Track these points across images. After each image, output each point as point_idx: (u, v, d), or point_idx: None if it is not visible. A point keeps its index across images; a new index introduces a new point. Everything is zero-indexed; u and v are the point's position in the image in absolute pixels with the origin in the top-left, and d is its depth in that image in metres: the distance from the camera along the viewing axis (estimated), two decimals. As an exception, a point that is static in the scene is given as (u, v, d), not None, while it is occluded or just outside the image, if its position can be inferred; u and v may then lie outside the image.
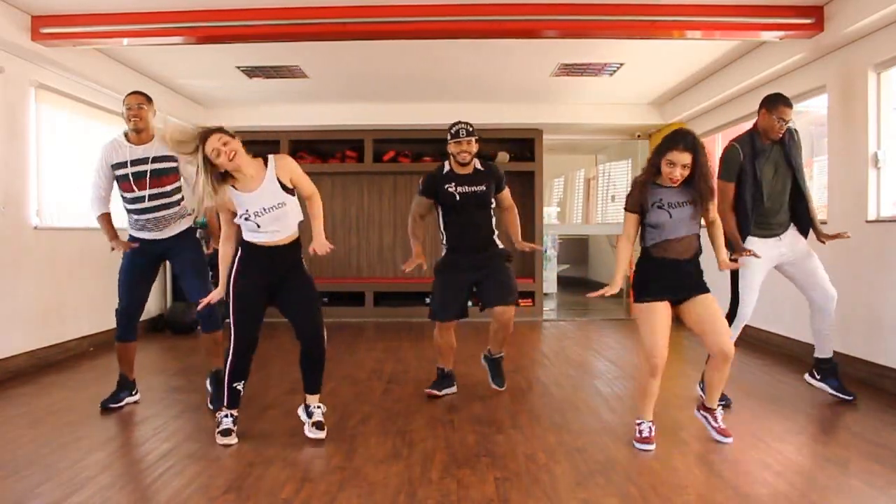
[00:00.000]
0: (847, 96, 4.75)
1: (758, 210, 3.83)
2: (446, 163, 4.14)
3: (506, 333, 4.16)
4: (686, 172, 3.12)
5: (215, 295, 3.35)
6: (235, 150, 3.11)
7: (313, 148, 8.40)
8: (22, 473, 2.88)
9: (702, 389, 4.02)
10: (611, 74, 6.53)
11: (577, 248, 12.77)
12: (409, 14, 4.62)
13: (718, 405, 3.36)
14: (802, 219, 3.92)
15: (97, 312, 5.79)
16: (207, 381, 4.11)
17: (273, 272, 3.31)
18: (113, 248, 3.94)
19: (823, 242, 3.93)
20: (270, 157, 3.28)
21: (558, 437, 3.40)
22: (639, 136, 8.69)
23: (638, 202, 3.23)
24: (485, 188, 4.08)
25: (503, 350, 4.31)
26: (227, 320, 3.38)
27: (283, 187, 3.22)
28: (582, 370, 5.17)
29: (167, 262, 4.12)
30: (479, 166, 4.12)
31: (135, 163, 3.80)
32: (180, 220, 3.96)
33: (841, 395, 3.95)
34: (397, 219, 8.46)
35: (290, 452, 3.15)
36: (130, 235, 3.96)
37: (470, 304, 4.25)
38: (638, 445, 3.20)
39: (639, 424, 3.26)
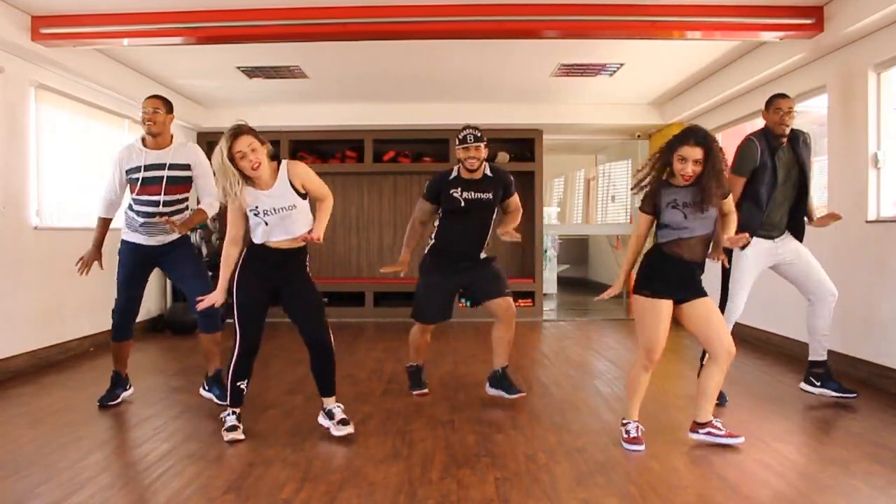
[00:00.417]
0: (847, 96, 4.75)
1: (769, 210, 3.84)
2: (455, 168, 4.03)
3: (510, 333, 4.03)
4: (698, 169, 3.08)
5: (215, 297, 3.33)
6: (260, 162, 3.13)
7: (313, 148, 8.40)
8: (22, 473, 2.88)
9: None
10: (611, 75, 6.53)
11: (577, 249, 12.77)
12: (409, 14, 4.62)
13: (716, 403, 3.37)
14: (799, 224, 3.93)
15: (97, 313, 5.78)
16: (203, 388, 4.06)
17: (276, 274, 3.32)
18: (81, 258, 3.96)
19: (820, 225, 3.97)
20: (283, 161, 3.29)
21: (558, 437, 3.40)
22: (639, 136, 8.68)
23: (652, 203, 3.21)
24: (491, 195, 3.98)
25: (507, 360, 4.09)
26: (229, 320, 3.38)
27: (296, 191, 3.25)
28: (582, 370, 5.17)
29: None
30: (487, 172, 4.01)
31: (149, 167, 3.80)
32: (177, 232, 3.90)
33: (845, 395, 3.93)
34: (397, 219, 8.47)
35: (290, 452, 3.15)
36: (123, 239, 3.96)
37: (464, 302, 4.21)
38: (627, 446, 3.19)
39: (625, 424, 3.26)
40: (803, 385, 4.06)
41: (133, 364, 4.17)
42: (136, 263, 3.93)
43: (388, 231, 8.54)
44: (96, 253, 3.99)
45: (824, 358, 3.97)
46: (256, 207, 3.22)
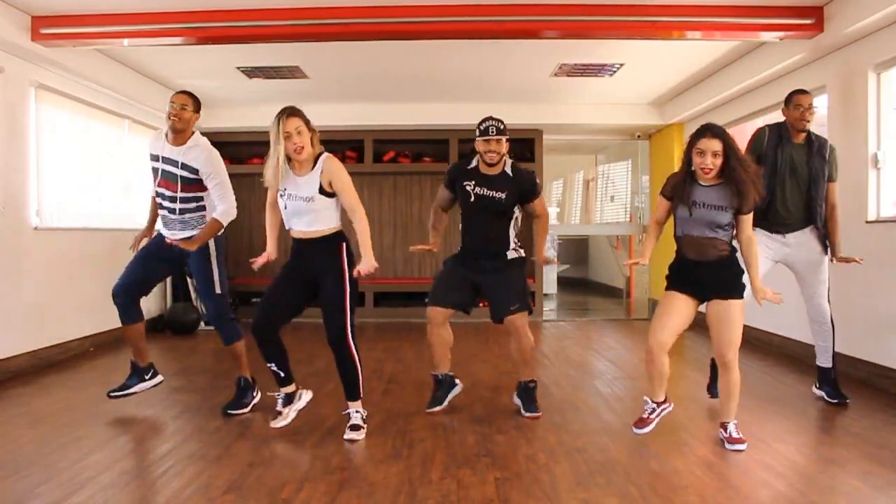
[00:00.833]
0: (847, 96, 4.75)
1: (767, 202, 3.84)
2: (476, 158, 3.79)
3: (520, 346, 3.73)
4: (718, 161, 3.11)
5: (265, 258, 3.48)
6: (304, 146, 3.23)
7: (313, 148, 8.38)
8: (22, 473, 2.88)
9: (709, 391, 4.03)
10: (611, 75, 6.53)
11: (577, 249, 12.78)
12: (409, 14, 4.62)
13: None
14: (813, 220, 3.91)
15: (97, 312, 5.79)
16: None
17: (306, 265, 3.36)
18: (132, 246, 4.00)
19: (832, 261, 3.95)
20: (323, 156, 3.32)
21: (558, 437, 3.40)
22: (639, 136, 8.69)
23: (671, 188, 3.27)
24: (504, 196, 3.69)
25: (533, 374, 3.85)
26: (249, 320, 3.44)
27: (321, 188, 3.27)
28: (582, 370, 5.17)
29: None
30: (508, 170, 3.75)
31: (166, 160, 3.78)
32: (193, 228, 3.84)
33: (833, 401, 3.92)
34: (397, 219, 8.47)
35: (290, 452, 3.16)
36: (157, 231, 3.98)
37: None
38: (634, 429, 3.34)
39: (645, 403, 3.39)
40: (814, 388, 4.11)
41: (144, 348, 4.06)
42: (153, 246, 3.90)
43: (389, 231, 8.54)
44: (146, 231, 4.04)
45: (829, 365, 3.97)
46: (284, 189, 3.30)
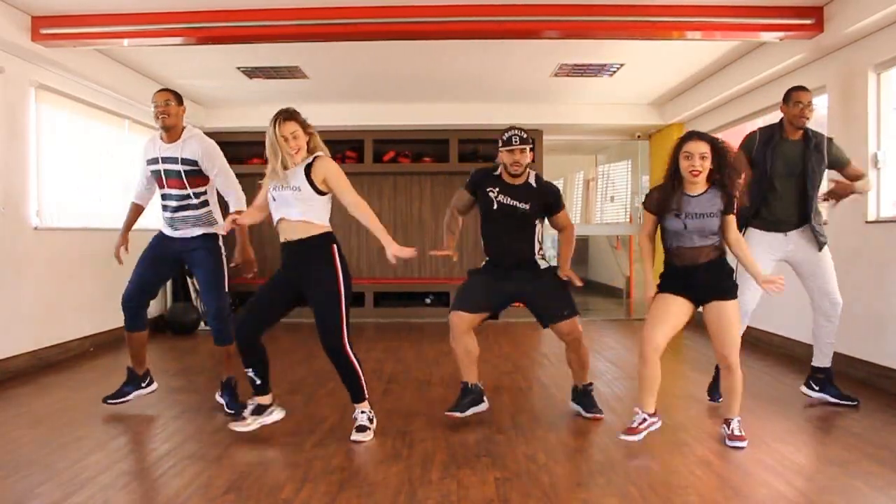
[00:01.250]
0: (847, 96, 4.75)
1: (764, 201, 3.85)
2: (500, 167, 3.72)
3: (578, 353, 3.71)
4: (707, 164, 3.11)
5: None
6: (299, 149, 3.27)
7: (313, 148, 8.39)
8: (22, 473, 2.87)
9: (710, 394, 4.02)
10: (611, 75, 6.53)
11: (577, 249, 12.74)
12: (409, 15, 4.62)
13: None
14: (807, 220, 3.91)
15: (97, 312, 5.79)
16: (218, 394, 4.00)
17: (297, 274, 3.31)
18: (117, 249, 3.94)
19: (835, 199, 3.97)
20: (314, 156, 3.33)
21: (558, 437, 3.40)
22: (639, 136, 8.69)
23: (655, 203, 3.26)
24: (528, 207, 3.63)
25: (587, 378, 3.79)
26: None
27: (312, 183, 3.27)
28: (582, 370, 5.16)
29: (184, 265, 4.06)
30: (531, 181, 3.70)
31: (165, 160, 3.79)
32: (202, 225, 3.85)
33: (844, 402, 3.88)
34: (397, 219, 8.46)
35: (290, 452, 3.15)
36: (159, 230, 3.94)
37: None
38: (621, 435, 3.21)
39: (635, 413, 3.28)
40: (803, 388, 4.05)
41: (144, 357, 4.06)
42: (157, 248, 3.89)
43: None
44: (121, 238, 3.96)
45: (826, 365, 3.95)
46: (274, 183, 3.30)
